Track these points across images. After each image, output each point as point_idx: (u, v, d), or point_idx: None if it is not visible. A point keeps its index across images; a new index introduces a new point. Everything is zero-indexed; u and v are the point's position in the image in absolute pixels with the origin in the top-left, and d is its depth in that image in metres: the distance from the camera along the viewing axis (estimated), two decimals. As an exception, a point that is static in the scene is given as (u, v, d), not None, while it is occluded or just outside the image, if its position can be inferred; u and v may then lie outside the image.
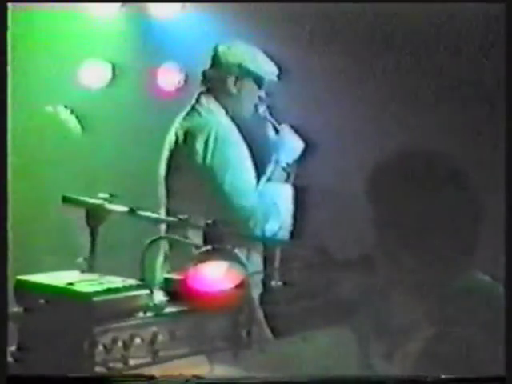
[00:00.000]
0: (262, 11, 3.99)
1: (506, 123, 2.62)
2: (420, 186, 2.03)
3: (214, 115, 3.64)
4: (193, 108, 3.69)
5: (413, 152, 2.08)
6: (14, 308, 2.53)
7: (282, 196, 3.66)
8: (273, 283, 3.43)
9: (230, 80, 3.66)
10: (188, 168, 3.55)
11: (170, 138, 3.67)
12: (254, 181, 3.60)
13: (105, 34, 4.68)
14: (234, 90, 3.67)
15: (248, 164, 3.58)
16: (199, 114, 3.65)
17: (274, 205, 3.59)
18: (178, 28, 4.52)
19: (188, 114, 3.69)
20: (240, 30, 3.83)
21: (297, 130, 3.74)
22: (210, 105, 3.66)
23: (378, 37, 3.79)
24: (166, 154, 3.66)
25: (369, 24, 3.80)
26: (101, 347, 2.40)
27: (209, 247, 2.60)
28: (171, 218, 2.83)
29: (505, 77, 2.66)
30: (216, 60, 3.69)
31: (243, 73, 3.66)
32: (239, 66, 3.66)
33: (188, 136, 3.58)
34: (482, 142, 3.48)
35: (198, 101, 3.70)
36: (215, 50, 3.71)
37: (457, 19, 3.55)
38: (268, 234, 3.53)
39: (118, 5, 4.66)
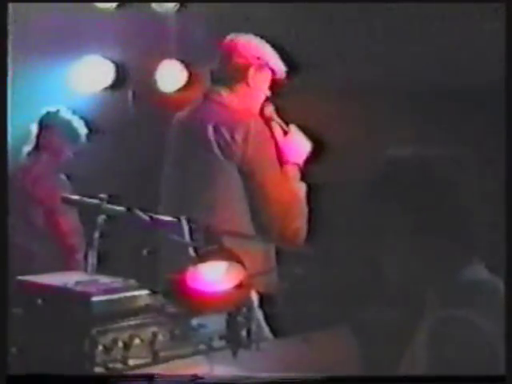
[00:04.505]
0: (268, 9, 3.98)
1: (506, 123, 2.62)
2: (428, 185, 2.04)
3: (241, 108, 3.54)
4: (213, 101, 3.58)
5: (421, 151, 2.08)
6: (14, 308, 2.53)
7: (302, 194, 3.61)
8: (274, 284, 3.43)
9: (251, 71, 3.56)
10: (223, 163, 3.46)
11: (191, 132, 3.56)
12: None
13: (107, 32, 4.69)
14: (251, 84, 3.58)
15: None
16: (225, 107, 3.54)
17: (300, 202, 3.55)
18: (180, 24, 4.51)
19: (208, 106, 3.57)
20: (245, 28, 3.77)
21: (304, 131, 3.69)
22: (231, 97, 3.56)
23: (381, 37, 3.78)
24: (189, 148, 3.56)
25: (371, 24, 3.80)
26: (101, 347, 2.41)
27: (209, 247, 2.60)
28: (171, 218, 2.82)
29: (505, 77, 2.66)
30: (236, 50, 3.58)
31: (261, 66, 3.57)
32: (258, 58, 3.57)
33: (223, 130, 3.46)
34: (482, 142, 3.48)
35: (215, 93, 3.58)
36: (234, 40, 3.61)
37: (457, 19, 3.55)
38: (295, 231, 3.48)
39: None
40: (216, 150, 3.46)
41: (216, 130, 3.48)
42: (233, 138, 3.44)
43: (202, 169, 3.51)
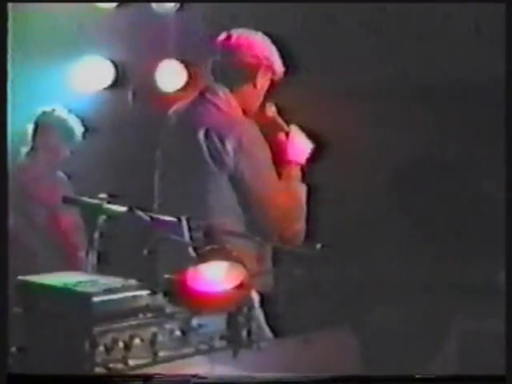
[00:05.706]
0: (269, 9, 3.97)
1: (506, 123, 2.62)
2: (432, 186, 2.03)
3: (237, 112, 3.46)
4: (208, 101, 3.48)
5: (423, 152, 2.08)
6: (14, 308, 2.53)
7: (302, 196, 3.57)
8: (273, 284, 3.43)
9: (260, 72, 3.44)
10: (213, 168, 3.39)
11: (184, 134, 3.48)
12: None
13: (107, 32, 4.69)
14: (258, 85, 3.48)
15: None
16: (220, 110, 3.45)
17: (300, 204, 3.50)
18: (180, 24, 4.51)
19: (203, 106, 3.47)
20: (246, 27, 3.73)
21: (305, 131, 3.66)
22: (228, 99, 3.46)
23: (382, 37, 3.78)
24: (181, 147, 3.49)
25: (372, 24, 3.80)
26: (101, 348, 2.41)
27: (209, 247, 2.60)
28: (171, 218, 2.81)
29: (505, 77, 2.67)
30: (246, 48, 3.44)
31: (268, 67, 3.46)
32: (267, 58, 3.46)
33: (214, 137, 3.38)
34: (483, 142, 3.47)
35: (213, 93, 3.48)
36: (243, 37, 3.47)
37: (457, 19, 3.55)
38: (295, 233, 3.44)
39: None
40: (207, 157, 3.39)
41: (207, 135, 3.39)
42: (224, 147, 3.36)
43: (193, 172, 3.45)
